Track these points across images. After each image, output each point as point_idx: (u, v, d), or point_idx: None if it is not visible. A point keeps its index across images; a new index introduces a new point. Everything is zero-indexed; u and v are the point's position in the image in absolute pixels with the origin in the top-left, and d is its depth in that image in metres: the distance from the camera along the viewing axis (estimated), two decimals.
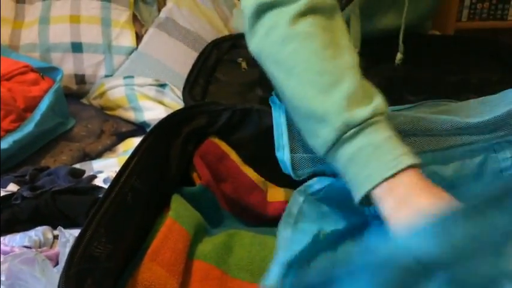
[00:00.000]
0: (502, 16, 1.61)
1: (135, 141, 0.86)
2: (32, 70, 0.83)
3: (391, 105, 0.50)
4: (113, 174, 0.68)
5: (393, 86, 0.83)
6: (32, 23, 0.97)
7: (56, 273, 0.41)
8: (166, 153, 0.58)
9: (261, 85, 0.88)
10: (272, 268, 0.43)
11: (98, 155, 0.83)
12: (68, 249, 0.40)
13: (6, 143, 0.72)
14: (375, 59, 0.83)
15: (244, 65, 0.92)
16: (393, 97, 0.51)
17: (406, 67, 0.85)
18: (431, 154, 0.54)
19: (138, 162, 0.51)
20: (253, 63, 0.91)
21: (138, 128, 0.90)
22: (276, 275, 0.42)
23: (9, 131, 0.74)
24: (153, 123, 0.87)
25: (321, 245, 0.48)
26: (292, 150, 0.58)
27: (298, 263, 0.43)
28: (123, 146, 0.86)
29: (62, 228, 0.47)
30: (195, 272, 0.52)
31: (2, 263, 0.44)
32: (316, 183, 0.56)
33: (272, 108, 0.56)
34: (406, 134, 0.54)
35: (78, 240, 0.38)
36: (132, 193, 0.48)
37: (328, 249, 0.48)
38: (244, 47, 0.94)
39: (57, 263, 0.48)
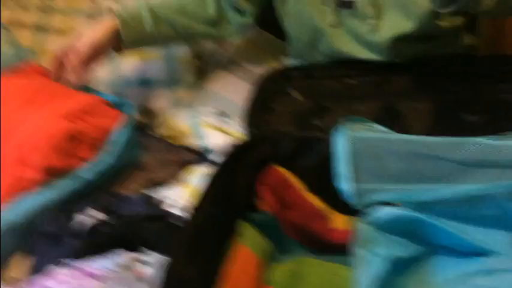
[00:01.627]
0: None
1: (197, 169, 0.91)
2: (106, 103, 0.90)
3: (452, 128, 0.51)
4: (180, 200, 0.73)
5: (446, 108, 0.84)
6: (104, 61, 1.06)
7: None
8: (233, 182, 0.62)
9: (318, 115, 0.91)
10: None
11: (164, 182, 0.88)
12: (158, 272, 0.43)
13: (88, 173, 0.78)
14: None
15: (298, 96, 0.96)
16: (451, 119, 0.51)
17: (454, 87, 0.86)
18: None
19: (212, 192, 0.55)
20: (306, 93, 0.96)
21: (201, 156, 0.94)
22: None
23: (88, 161, 0.80)
24: (215, 150, 0.93)
25: (394, 268, 0.49)
26: (354, 180, 0.60)
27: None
28: (186, 174, 0.91)
29: (147, 250, 0.51)
30: None
31: (104, 280, 0.48)
32: (380, 213, 0.58)
33: (334, 137, 0.59)
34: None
35: (169, 264, 0.42)
36: (209, 220, 0.52)
37: (399, 274, 0.50)
38: (296, 78, 0.99)
39: None
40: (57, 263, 0.62)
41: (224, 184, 0.59)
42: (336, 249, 0.61)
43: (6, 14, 1.14)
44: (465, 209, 0.54)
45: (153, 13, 0.93)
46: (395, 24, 0.85)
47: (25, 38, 1.09)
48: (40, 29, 1.13)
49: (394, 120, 0.81)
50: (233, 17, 0.98)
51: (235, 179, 0.62)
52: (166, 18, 0.94)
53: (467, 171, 0.56)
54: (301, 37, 0.96)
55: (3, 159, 0.72)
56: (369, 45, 0.90)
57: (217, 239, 0.54)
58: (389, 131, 0.68)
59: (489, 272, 0.50)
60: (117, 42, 0.93)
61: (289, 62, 1.07)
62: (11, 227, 0.68)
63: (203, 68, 1.13)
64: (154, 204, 0.73)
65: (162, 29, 0.94)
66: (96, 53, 0.91)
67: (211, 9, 0.96)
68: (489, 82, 0.85)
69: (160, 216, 0.67)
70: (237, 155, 0.62)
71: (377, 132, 0.67)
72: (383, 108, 0.90)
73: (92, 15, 1.15)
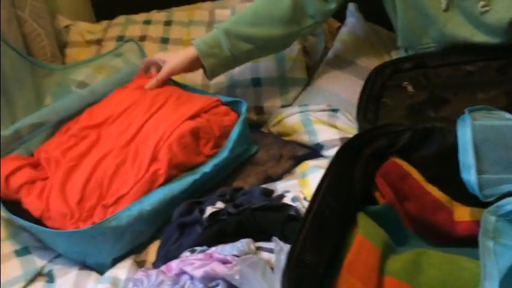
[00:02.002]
0: None
1: (310, 164, 0.93)
2: (222, 103, 0.96)
3: None
4: (299, 194, 0.75)
5: None
6: None
7: (273, 277, 0.49)
8: (351, 174, 0.63)
9: (432, 106, 0.88)
10: (485, 282, 0.43)
11: (279, 177, 0.92)
12: (282, 257, 0.46)
13: (208, 167, 0.85)
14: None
15: (410, 88, 0.93)
16: None
17: None
18: None
19: (330, 183, 0.57)
20: (418, 85, 0.92)
21: (313, 151, 0.97)
22: None
23: (209, 156, 0.87)
24: (327, 145, 0.95)
25: None
26: (479, 171, 0.58)
27: (507, 280, 0.43)
28: (300, 169, 0.93)
29: (277, 239, 0.54)
30: (387, 287, 0.54)
31: (235, 265, 0.53)
32: (508, 204, 0.55)
33: (458, 126, 0.57)
34: None
35: (292, 248, 0.45)
36: (328, 210, 0.53)
37: None
38: (406, 70, 0.96)
39: None
40: (188, 249, 0.69)
41: (342, 176, 0.60)
42: (460, 242, 0.59)
43: (135, 29, 1.27)
44: None
45: (229, 34, 0.94)
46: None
47: (151, 49, 1.21)
48: (164, 41, 1.24)
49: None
50: (312, 5, 0.95)
51: (353, 171, 0.63)
52: (242, 35, 0.94)
53: None
54: (413, 24, 0.93)
55: (141, 158, 0.82)
56: (484, 27, 0.85)
57: (337, 229, 0.56)
58: None
59: None
60: (199, 68, 0.97)
61: (399, 54, 1.04)
62: (142, 216, 0.76)
63: (312, 65, 1.15)
64: (274, 198, 0.76)
65: (241, 47, 0.94)
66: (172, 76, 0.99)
67: (285, 4, 0.93)
68: None
69: (280, 207, 0.70)
70: (353, 147, 0.63)
71: (503, 120, 0.63)
72: (507, 95, 0.84)
73: (211, 24, 1.24)
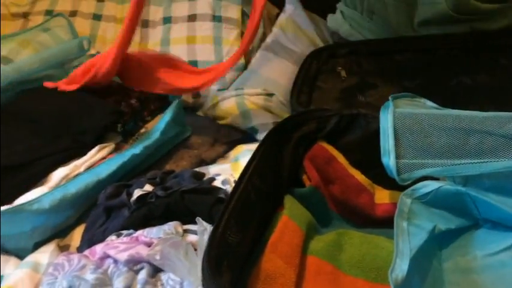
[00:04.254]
0: None
1: (243, 148, 0.93)
2: None
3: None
4: (230, 177, 0.76)
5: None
6: (155, 44, 1.11)
7: (195, 257, 0.49)
8: (279, 157, 0.64)
9: (362, 91, 0.91)
10: (397, 260, 0.46)
11: (213, 161, 0.92)
12: (205, 237, 0.46)
13: (137, 148, 0.83)
14: None
15: (343, 73, 0.96)
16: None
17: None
18: None
19: (258, 164, 0.57)
20: (351, 70, 0.96)
21: (247, 135, 0.97)
22: (404, 269, 0.44)
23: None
24: (261, 128, 0.95)
25: (436, 241, 0.50)
26: (397, 156, 0.60)
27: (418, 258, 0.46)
28: (233, 152, 0.94)
29: (200, 219, 0.54)
30: (309, 266, 0.56)
31: (156, 245, 0.52)
32: (423, 187, 0.58)
33: (381, 113, 0.59)
34: None
35: (215, 228, 0.45)
36: (254, 191, 0.54)
37: (442, 247, 0.50)
38: (341, 55, 0.99)
39: None
40: (114, 233, 0.67)
41: (270, 158, 0.61)
42: (379, 224, 0.62)
43: (66, 3, 1.21)
44: (510, 183, 0.53)
45: None
46: None
47: (82, 26, 1.15)
48: (96, 17, 1.19)
49: (443, 96, 0.79)
50: None
51: (282, 154, 0.64)
52: None
53: None
54: None
55: None
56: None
57: (262, 210, 0.57)
58: (439, 106, 0.67)
59: None
60: None
61: (334, 40, 1.07)
62: (66, 199, 0.74)
63: (250, 50, 1.15)
64: (205, 181, 0.76)
65: None
66: None
67: None
68: None
69: (210, 190, 0.70)
70: (283, 130, 0.64)
71: (424, 107, 0.67)
72: (430, 84, 0.89)
73: (147, 2, 1.19)
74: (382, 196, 0.64)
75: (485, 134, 0.56)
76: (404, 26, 0.97)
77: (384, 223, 0.60)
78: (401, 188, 0.60)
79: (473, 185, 0.55)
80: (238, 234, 0.47)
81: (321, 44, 1.10)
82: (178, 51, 1.08)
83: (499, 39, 0.90)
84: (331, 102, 0.87)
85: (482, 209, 0.54)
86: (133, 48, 1.10)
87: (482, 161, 0.55)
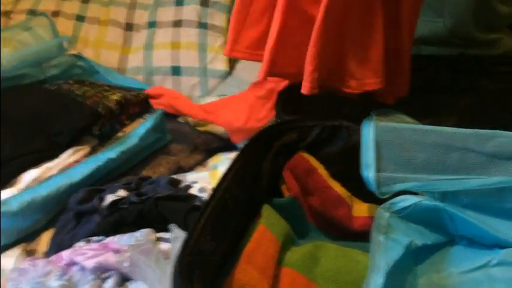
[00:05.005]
0: None
1: (223, 157, 0.92)
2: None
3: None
4: (207, 185, 0.74)
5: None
6: (138, 48, 1.09)
7: (166, 264, 0.47)
8: (259, 166, 0.63)
9: (346, 103, 0.91)
10: (372, 274, 0.45)
11: (191, 168, 0.90)
12: (178, 245, 0.45)
13: (113, 152, 0.81)
14: None
15: None
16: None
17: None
18: None
19: (236, 172, 0.56)
20: None
21: (227, 143, 0.96)
22: (379, 283, 0.43)
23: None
24: None
25: (412, 256, 0.49)
26: (378, 169, 0.60)
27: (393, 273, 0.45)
28: (212, 161, 0.92)
29: (174, 226, 0.52)
30: (284, 278, 0.55)
31: (125, 251, 0.50)
32: (401, 201, 0.57)
33: (363, 126, 0.59)
34: None
35: (189, 235, 0.43)
36: (232, 199, 0.53)
37: (418, 262, 0.50)
38: None
39: None
40: (84, 239, 0.65)
41: (249, 166, 0.60)
42: (357, 237, 0.61)
43: (49, 3, 1.19)
44: (488, 201, 0.53)
45: None
46: None
47: (65, 26, 1.13)
48: (80, 18, 1.17)
49: (426, 114, 0.80)
50: None
51: (261, 163, 0.63)
52: None
53: (495, 164, 0.55)
54: None
55: None
56: None
57: (239, 219, 0.55)
58: (419, 122, 0.68)
59: (510, 264, 0.49)
60: None
61: None
62: (36, 202, 0.71)
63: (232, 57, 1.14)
64: (181, 188, 0.74)
65: None
66: None
67: None
68: None
69: (186, 197, 0.68)
70: (263, 139, 0.63)
71: (407, 123, 0.67)
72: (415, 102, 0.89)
73: (132, 6, 1.18)
74: (360, 209, 0.63)
75: (466, 150, 0.56)
76: None
77: (361, 236, 0.59)
78: (380, 202, 0.59)
79: (452, 201, 0.54)
80: (212, 243, 0.46)
81: None
82: (162, 56, 1.06)
83: (489, 65, 0.91)
84: (316, 113, 0.86)
85: (460, 226, 0.54)
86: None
87: (461, 177, 0.55)
